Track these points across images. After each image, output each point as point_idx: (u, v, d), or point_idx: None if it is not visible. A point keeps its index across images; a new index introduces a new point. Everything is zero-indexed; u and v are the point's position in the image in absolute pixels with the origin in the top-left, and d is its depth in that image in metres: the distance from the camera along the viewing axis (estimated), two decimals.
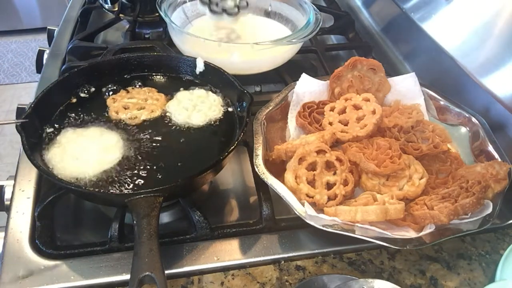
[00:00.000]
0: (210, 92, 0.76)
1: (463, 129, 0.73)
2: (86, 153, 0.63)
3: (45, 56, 1.00)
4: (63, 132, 0.67)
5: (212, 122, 0.72)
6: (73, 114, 0.71)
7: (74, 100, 0.73)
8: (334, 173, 0.62)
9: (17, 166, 0.71)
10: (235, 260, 0.60)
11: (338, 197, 0.60)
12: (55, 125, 0.68)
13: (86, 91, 0.75)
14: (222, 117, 0.73)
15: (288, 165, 0.63)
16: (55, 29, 1.10)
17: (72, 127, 0.68)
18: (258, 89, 0.94)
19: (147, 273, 0.48)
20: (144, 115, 0.71)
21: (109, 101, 0.73)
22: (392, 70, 0.97)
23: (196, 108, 0.73)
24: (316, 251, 0.62)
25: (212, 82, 0.77)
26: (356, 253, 0.62)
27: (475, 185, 0.57)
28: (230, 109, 0.74)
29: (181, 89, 0.77)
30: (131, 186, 0.60)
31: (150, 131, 0.69)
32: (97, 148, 0.64)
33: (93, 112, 0.72)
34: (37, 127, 0.66)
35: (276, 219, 0.65)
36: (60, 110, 0.71)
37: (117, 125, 0.70)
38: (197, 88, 0.77)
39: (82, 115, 0.71)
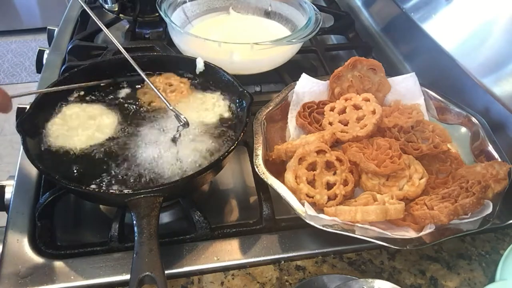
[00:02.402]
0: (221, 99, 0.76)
1: (463, 129, 0.73)
2: (80, 126, 0.67)
3: (45, 56, 1.00)
4: (70, 104, 0.71)
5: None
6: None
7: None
8: (334, 173, 0.62)
9: (17, 166, 0.71)
10: (235, 260, 0.60)
11: (338, 197, 0.60)
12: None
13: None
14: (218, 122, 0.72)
15: (288, 165, 0.63)
16: (55, 29, 1.10)
17: (78, 102, 0.72)
18: (258, 89, 0.94)
19: (147, 273, 0.48)
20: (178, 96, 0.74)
21: (140, 94, 0.75)
22: (392, 70, 0.97)
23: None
24: (316, 251, 0.62)
25: (212, 82, 0.77)
26: (356, 253, 0.62)
27: (475, 185, 0.57)
28: (226, 115, 0.73)
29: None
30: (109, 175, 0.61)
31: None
32: (92, 124, 0.67)
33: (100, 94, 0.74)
34: (37, 127, 0.66)
35: (276, 219, 0.65)
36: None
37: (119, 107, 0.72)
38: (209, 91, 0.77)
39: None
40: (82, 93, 0.74)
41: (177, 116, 0.66)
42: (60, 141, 0.64)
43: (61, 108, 0.70)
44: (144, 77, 0.69)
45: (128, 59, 0.69)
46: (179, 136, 0.66)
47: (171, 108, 0.66)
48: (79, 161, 0.62)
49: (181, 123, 0.66)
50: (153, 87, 0.68)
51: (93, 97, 0.74)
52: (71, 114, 0.69)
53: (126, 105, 0.73)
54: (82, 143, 0.65)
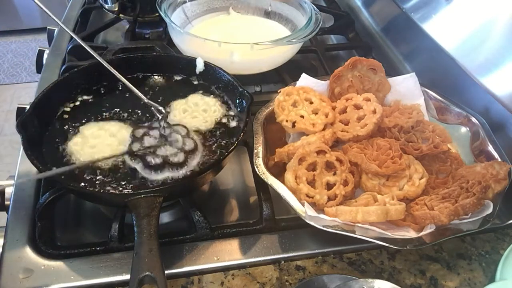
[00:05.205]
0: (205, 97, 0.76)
1: (463, 129, 0.73)
2: (102, 143, 0.65)
3: (45, 56, 1.00)
4: (86, 124, 0.69)
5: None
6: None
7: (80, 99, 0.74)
8: (334, 174, 0.62)
9: (17, 166, 0.71)
10: (235, 260, 0.60)
11: (338, 197, 0.60)
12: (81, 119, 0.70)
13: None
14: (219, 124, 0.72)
15: (288, 165, 0.63)
16: (55, 29, 1.10)
17: (95, 120, 0.70)
18: (258, 89, 0.94)
19: (147, 273, 0.48)
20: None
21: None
22: (392, 70, 0.97)
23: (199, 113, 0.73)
24: (316, 251, 0.62)
25: (212, 82, 0.77)
26: (356, 253, 0.62)
27: (475, 185, 0.57)
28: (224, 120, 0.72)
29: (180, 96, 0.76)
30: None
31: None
32: (113, 139, 0.66)
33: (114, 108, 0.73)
34: (37, 127, 0.66)
35: (276, 219, 0.65)
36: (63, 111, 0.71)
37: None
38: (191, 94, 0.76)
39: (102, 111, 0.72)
40: (85, 97, 0.74)
41: (156, 109, 0.66)
42: (86, 158, 0.63)
43: (78, 128, 0.68)
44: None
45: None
46: (164, 130, 0.66)
47: (146, 101, 0.66)
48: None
49: (162, 115, 0.65)
50: (130, 85, 0.67)
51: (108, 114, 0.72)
52: (91, 133, 0.67)
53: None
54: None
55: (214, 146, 0.67)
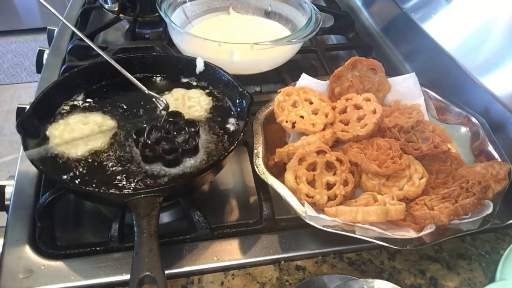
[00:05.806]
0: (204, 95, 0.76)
1: (463, 129, 0.73)
2: (84, 130, 0.66)
3: (45, 56, 1.00)
4: (51, 126, 0.68)
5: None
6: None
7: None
8: (334, 174, 0.62)
9: (17, 166, 0.71)
10: (235, 260, 0.60)
11: (338, 197, 0.60)
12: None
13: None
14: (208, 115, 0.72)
15: (288, 165, 0.63)
16: (55, 29, 1.10)
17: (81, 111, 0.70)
18: (258, 89, 0.94)
19: (147, 273, 0.48)
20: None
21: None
22: (392, 70, 0.97)
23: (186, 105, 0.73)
24: (316, 251, 0.62)
25: (212, 82, 0.77)
26: (356, 253, 0.62)
27: (475, 185, 0.57)
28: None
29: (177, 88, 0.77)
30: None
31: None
32: (91, 126, 0.67)
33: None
34: (37, 127, 0.66)
35: (276, 219, 0.65)
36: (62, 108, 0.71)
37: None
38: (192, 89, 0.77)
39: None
40: (82, 96, 0.73)
41: (156, 100, 0.66)
42: (79, 150, 0.64)
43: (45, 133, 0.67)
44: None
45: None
46: (165, 122, 0.66)
47: (147, 92, 0.66)
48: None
49: (162, 107, 0.66)
50: (130, 77, 0.67)
51: (94, 104, 0.72)
52: (76, 122, 0.68)
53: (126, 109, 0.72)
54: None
55: (214, 146, 0.67)
